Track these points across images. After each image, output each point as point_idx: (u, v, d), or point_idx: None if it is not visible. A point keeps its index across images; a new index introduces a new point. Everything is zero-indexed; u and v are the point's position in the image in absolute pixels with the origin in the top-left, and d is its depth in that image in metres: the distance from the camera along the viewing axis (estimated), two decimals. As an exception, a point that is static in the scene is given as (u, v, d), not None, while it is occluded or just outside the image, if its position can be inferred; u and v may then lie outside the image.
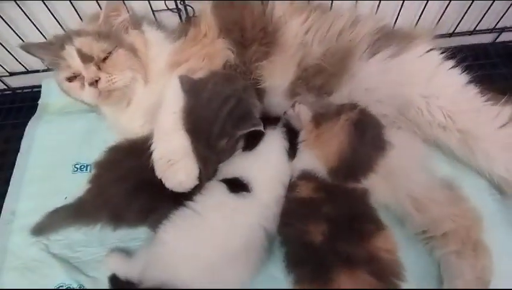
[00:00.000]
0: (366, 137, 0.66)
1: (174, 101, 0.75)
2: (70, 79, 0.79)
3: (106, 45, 0.77)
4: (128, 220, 0.73)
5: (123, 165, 0.73)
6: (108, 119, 0.88)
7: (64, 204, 0.77)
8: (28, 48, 0.82)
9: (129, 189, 0.71)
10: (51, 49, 0.79)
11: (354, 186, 0.66)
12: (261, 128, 0.71)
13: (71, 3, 0.91)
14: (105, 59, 0.78)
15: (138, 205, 0.71)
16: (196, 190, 0.70)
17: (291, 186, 0.69)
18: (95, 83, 0.76)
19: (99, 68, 0.77)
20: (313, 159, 0.68)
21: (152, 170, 0.71)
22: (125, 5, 0.92)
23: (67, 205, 0.76)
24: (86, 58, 0.76)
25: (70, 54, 0.77)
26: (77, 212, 0.74)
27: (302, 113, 0.74)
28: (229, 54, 0.81)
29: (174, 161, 0.70)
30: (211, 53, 0.80)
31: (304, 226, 0.61)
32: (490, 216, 0.74)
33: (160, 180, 0.69)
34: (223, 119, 0.70)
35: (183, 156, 0.71)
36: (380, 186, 0.74)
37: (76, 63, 0.77)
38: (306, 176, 0.68)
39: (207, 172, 0.72)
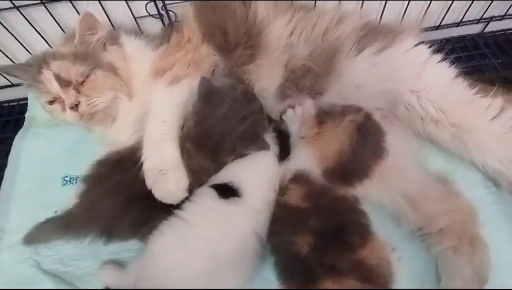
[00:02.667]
0: (367, 142, 0.66)
1: (163, 110, 0.74)
2: (51, 102, 0.78)
3: (83, 67, 0.76)
4: (120, 234, 0.72)
5: (112, 179, 0.72)
6: (97, 133, 0.86)
7: (53, 216, 0.77)
8: (6, 70, 0.81)
9: (120, 203, 0.70)
10: (29, 72, 0.78)
11: (344, 194, 0.65)
12: (268, 149, 0.71)
13: (53, 17, 0.90)
14: (83, 82, 0.76)
15: (130, 219, 0.70)
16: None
17: (282, 190, 0.68)
18: (75, 106, 0.75)
19: (78, 92, 0.76)
20: (310, 157, 0.67)
21: (142, 182, 0.70)
22: (107, 17, 0.91)
23: (56, 218, 0.75)
24: (64, 82, 0.75)
25: (48, 78, 0.75)
26: (67, 227, 0.73)
27: (307, 108, 0.73)
28: (216, 59, 0.80)
29: (165, 171, 0.69)
30: (197, 60, 0.79)
31: (291, 236, 0.61)
32: (486, 209, 0.74)
33: (151, 193, 0.68)
34: (235, 139, 0.69)
35: (174, 166, 0.70)
36: (374, 186, 0.73)
37: (54, 88, 0.75)
38: (298, 179, 0.67)
39: (197, 182, 0.71)
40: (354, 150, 0.64)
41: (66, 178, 0.88)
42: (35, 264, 0.76)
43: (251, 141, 0.70)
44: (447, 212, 0.70)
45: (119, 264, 0.74)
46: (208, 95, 0.71)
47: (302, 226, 0.61)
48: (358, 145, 0.64)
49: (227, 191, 0.67)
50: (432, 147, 0.82)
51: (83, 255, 0.76)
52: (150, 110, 0.75)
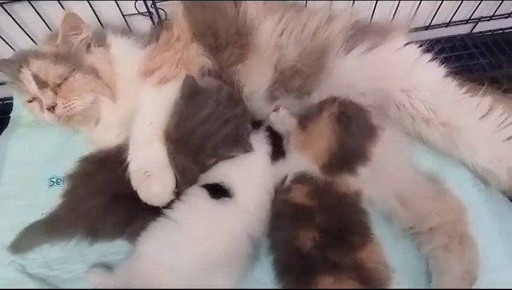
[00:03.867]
0: (351, 128, 0.65)
1: (150, 111, 0.73)
2: (30, 100, 0.77)
3: (63, 69, 0.74)
4: (105, 233, 0.70)
5: (98, 177, 0.71)
6: (83, 133, 0.85)
7: (38, 220, 0.74)
8: None
9: (105, 202, 0.68)
10: (11, 69, 0.77)
11: (346, 190, 0.65)
12: (252, 151, 0.70)
13: (39, 15, 0.88)
14: (61, 83, 0.74)
15: (115, 218, 0.68)
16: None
17: (286, 189, 0.68)
18: (52, 108, 0.74)
19: (56, 93, 0.74)
20: (304, 160, 0.67)
21: (128, 182, 0.68)
22: (95, 14, 0.90)
23: (40, 221, 0.73)
24: (41, 83, 0.74)
25: (27, 78, 0.74)
26: (51, 228, 0.71)
27: (287, 121, 0.73)
28: (205, 59, 0.78)
29: (151, 172, 0.68)
30: (185, 60, 0.77)
31: (294, 231, 0.61)
32: (476, 207, 0.74)
33: (137, 193, 0.67)
34: (217, 142, 0.68)
35: (160, 167, 0.69)
36: (365, 184, 0.73)
37: (32, 88, 0.74)
38: (300, 179, 0.66)
39: (185, 183, 0.70)
40: (341, 140, 0.64)
41: (52, 179, 0.86)
42: (20, 268, 0.74)
43: (234, 144, 0.69)
44: (438, 210, 0.70)
45: (107, 266, 0.72)
46: (191, 94, 0.70)
47: (307, 222, 0.60)
48: (343, 134, 0.65)
49: (218, 191, 0.66)
50: (422, 146, 0.82)
51: (70, 258, 0.75)
52: (137, 110, 0.74)
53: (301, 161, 0.67)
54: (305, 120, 0.69)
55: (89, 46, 0.78)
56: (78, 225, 0.69)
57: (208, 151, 0.68)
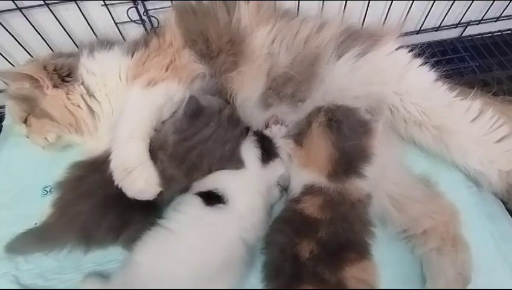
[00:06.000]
0: (343, 130, 0.66)
1: (134, 111, 0.74)
2: None
3: (21, 112, 0.80)
4: (98, 239, 0.69)
5: (86, 180, 0.70)
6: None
7: (32, 228, 0.73)
8: None
9: (96, 205, 0.67)
10: None
11: (359, 197, 0.65)
12: (243, 168, 0.71)
13: (30, 22, 0.88)
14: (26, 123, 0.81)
15: (107, 222, 0.67)
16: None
17: (295, 200, 0.68)
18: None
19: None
20: (310, 174, 0.67)
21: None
22: (87, 22, 0.90)
23: (34, 230, 0.72)
24: (13, 119, 0.83)
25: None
26: (44, 238, 0.70)
27: (284, 146, 0.74)
28: (197, 66, 0.79)
29: (131, 168, 0.68)
30: (177, 66, 0.78)
31: (296, 239, 0.61)
32: (468, 209, 0.75)
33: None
34: (213, 161, 0.70)
35: (139, 163, 0.69)
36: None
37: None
38: (311, 191, 0.67)
39: (169, 191, 0.70)
40: (338, 144, 0.65)
41: (46, 188, 0.85)
42: (14, 280, 0.72)
43: (228, 162, 0.71)
44: (431, 213, 0.71)
45: (102, 275, 0.71)
46: (193, 114, 0.71)
47: (311, 234, 0.61)
48: (337, 138, 0.65)
49: (212, 198, 0.66)
50: (415, 149, 0.83)
51: (65, 268, 0.74)
52: (122, 110, 0.74)
53: (307, 175, 0.67)
54: (299, 137, 0.70)
55: (41, 89, 0.78)
56: (69, 232, 0.68)
57: (203, 169, 0.70)
